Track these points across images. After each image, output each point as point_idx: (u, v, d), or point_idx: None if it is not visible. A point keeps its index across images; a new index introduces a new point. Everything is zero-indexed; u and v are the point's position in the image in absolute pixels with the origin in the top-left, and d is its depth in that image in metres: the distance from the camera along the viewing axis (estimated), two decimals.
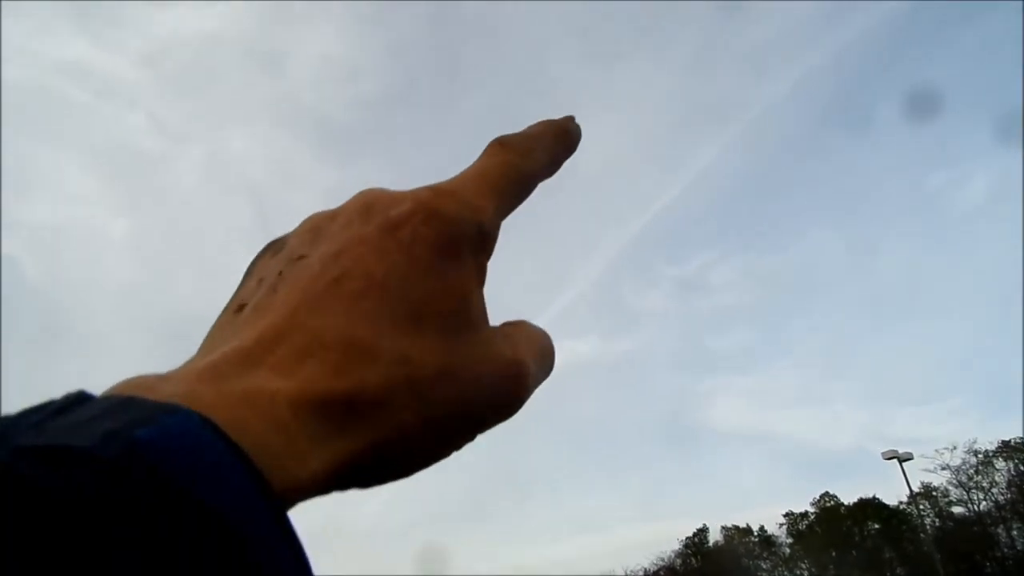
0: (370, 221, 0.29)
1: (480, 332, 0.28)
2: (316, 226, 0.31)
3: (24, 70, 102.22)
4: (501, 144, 0.33)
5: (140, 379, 0.23)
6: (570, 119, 0.37)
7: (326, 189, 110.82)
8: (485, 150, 0.33)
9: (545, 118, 0.33)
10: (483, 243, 0.30)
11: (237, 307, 0.29)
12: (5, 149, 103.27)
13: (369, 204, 0.30)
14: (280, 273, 0.29)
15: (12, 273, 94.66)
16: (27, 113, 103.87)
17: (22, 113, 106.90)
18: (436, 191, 0.30)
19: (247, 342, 0.25)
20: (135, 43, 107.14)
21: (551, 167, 0.35)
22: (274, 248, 0.32)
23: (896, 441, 68.16)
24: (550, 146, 0.35)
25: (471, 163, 0.31)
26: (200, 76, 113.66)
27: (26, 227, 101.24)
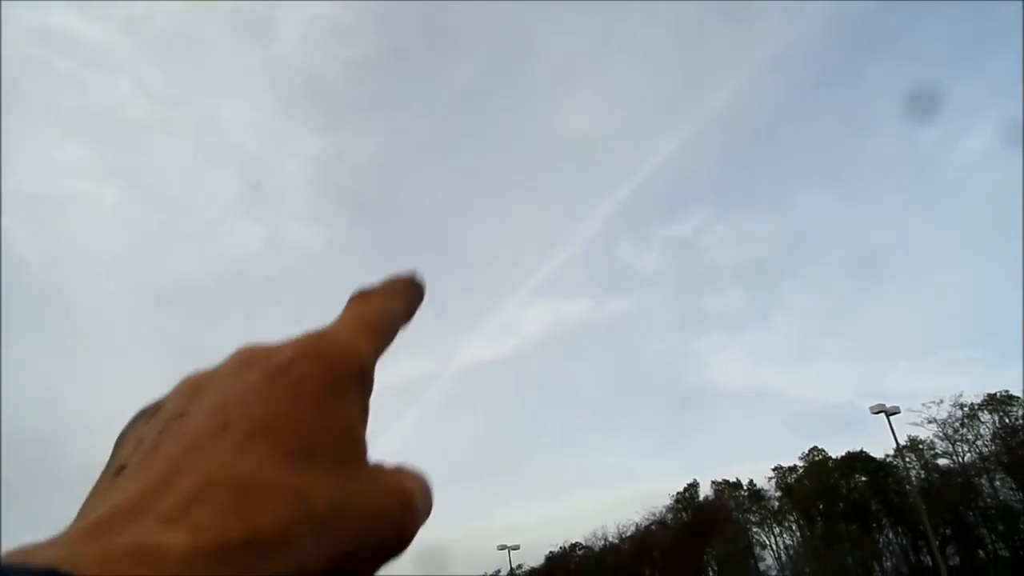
0: (253, 370, 0.29)
1: (368, 466, 0.29)
2: (195, 385, 0.31)
3: (5, 39, 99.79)
4: (363, 296, 0.37)
5: (21, 548, 0.21)
6: (415, 273, 0.40)
7: (315, 156, 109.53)
8: (349, 302, 0.36)
9: (397, 274, 0.37)
10: (365, 382, 0.31)
11: (117, 469, 0.28)
12: None
13: (249, 357, 0.31)
14: (161, 432, 0.28)
15: (3, 246, 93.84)
16: (10, 83, 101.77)
17: (5, 83, 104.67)
18: (317, 337, 0.32)
19: (131, 495, 0.24)
20: (119, 8, 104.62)
21: (408, 314, 0.38)
22: (149, 413, 0.32)
23: (885, 396, 69.20)
24: (404, 296, 0.38)
25: (338, 315, 0.33)
26: (186, 41, 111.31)
27: (14, 198, 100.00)
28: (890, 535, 50.43)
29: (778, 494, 55.92)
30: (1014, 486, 42.78)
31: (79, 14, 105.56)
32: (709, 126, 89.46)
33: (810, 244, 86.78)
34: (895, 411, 30.86)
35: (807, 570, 51.36)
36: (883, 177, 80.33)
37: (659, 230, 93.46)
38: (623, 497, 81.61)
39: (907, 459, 46.41)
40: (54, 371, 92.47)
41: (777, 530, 56.24)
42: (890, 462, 48.77)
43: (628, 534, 60.04)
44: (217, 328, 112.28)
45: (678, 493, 60.29)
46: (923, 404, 45.67)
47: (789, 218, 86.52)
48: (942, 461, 47.10)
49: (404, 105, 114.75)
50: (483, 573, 61.61)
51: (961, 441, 45.40)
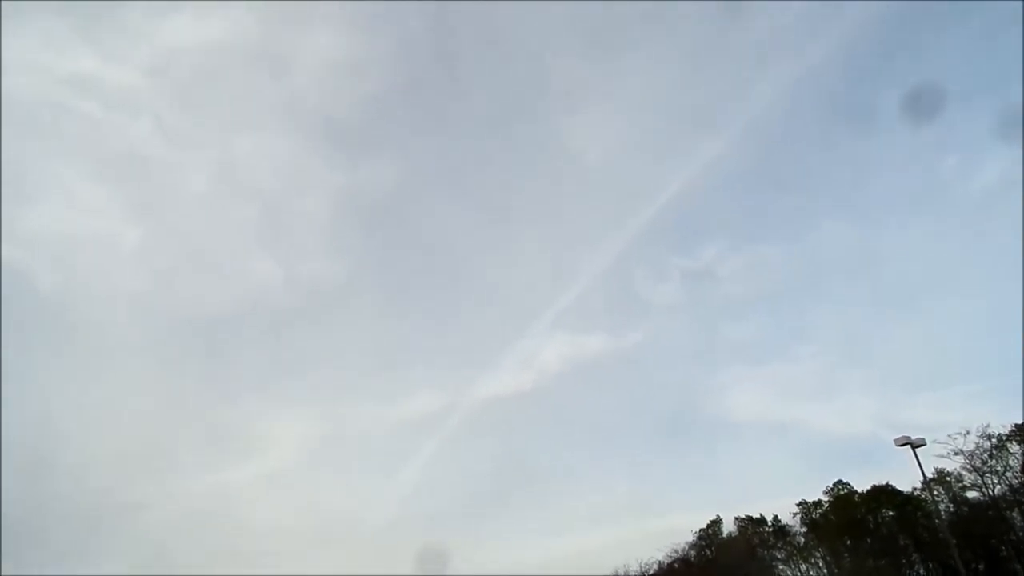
0: None
1: None
2: None
3: (32, 84, 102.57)
4: None
5: None
6: None
7: (332, 191, 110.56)
8: None
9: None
10: None
11: None
12: (14, 161, 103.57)
13: None
14: None
15: (25, 283, 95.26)
16: (36, 126, 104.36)
17: (31, 126, 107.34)
18: None
19: None
20: (140, 53, 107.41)
21: None
22: None
23: (909, 427, 68.03)
24: None
25: None
26: (205, 82, 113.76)
27: (37, 237, 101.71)
28: (920, 571, 49.21)
29: (803, 529, 54.86)
30: None
31: (103, 58, 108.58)
32: (724, 155, 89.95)
33: (830, 274, 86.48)
34: (921, 443, 30.37)
35: None
36: (904, 206, 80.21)
37: (675, 261, 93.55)
38: (644, 532, 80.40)
39: (935, 492, 45.49)
40: (73, 403, 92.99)
41: (804, 567, 55.03)
42: (917, 495, 47.81)
43: (651, 573, 58.99)
44: (235, 361, 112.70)
45: (701, 530, 59.32)
46: (949, 435, 44.83)
47: (808, 248, 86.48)
48: (971, 494, 46.09)
49: (419, 139, 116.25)
50: None
51: (990, 473, 44.45)
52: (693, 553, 58.23)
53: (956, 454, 44.62)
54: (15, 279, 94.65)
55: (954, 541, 34.84)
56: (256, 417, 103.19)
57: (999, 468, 44.16)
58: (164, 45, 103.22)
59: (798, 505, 55.14)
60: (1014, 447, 43.80)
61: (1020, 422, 43.65)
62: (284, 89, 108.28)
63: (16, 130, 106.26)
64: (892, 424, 74.23)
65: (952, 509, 46.48)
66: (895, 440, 30.55)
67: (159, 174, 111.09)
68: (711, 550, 57.70)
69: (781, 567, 55.71)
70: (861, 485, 52.77)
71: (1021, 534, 42.95)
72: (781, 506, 57.28)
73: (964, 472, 45.59)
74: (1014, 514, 43.34)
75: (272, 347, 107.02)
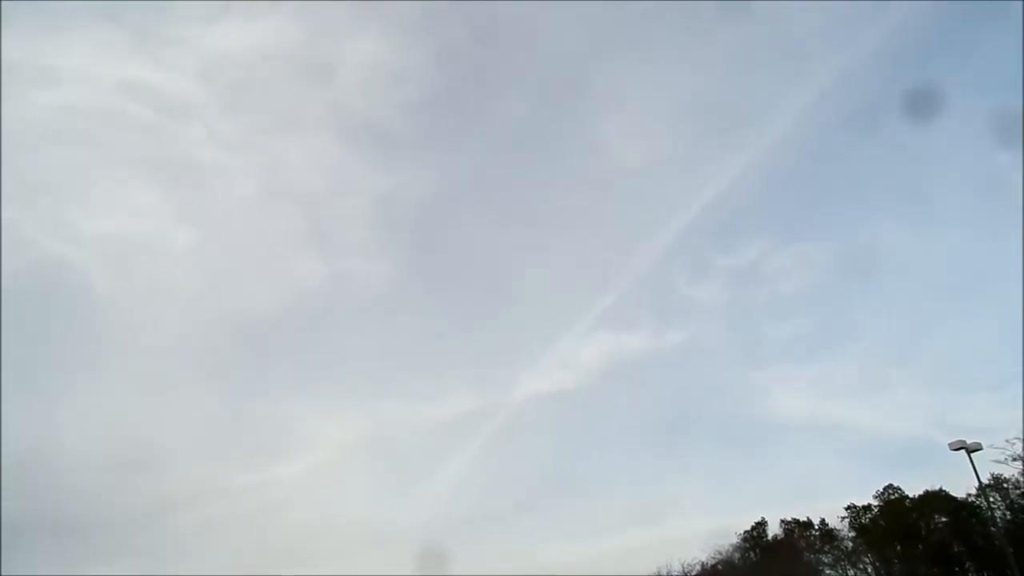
0: None
1: None
2: None
3: (89, 92, 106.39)
4: None
5: None
6: None
7: (375, 194, 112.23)
8: None
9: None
10: None
11: None
12: (72, 166, 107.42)
13: None
14: None
15: (82, 284, 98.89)
16: (92, 132, 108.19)
17: (88, 132, 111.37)
18: None
19: None
20: (190, 60, 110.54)
21: None
22: None
23: (964, 430, 66.08)
24: None
25: None
26: (252, 88, 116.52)
27: (93, 239, 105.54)
28: None
29: (852, 534, 53.77)
30: None
31: (155, 65, 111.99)
32: (768, 154, 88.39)
33: (879, 272, 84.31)
34: (977, 448, 29.47)
35: None
36: (959, 201, 77.80)
37: (719, 259, 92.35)
38: (687, 533, 79.66)
39: (991, 498, 44.13)
40: (121, 401, 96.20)
41: (852, 572, 53.98)
42: (972, 501, 46.47)
43: (694, 573, 58.47)
44: (277, 360, 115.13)
45: (746, 532, 58.59)
46: (1007, 440, 43.38)
47: (856, 245, 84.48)
48: None
49: (460, 142, 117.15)
50: None
51: None
52: (737, 555, 57.55)
53: (1014, 460, 43.20)
54: (73, 279, 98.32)
55: (1011, 549, 33.72)
56: (297, 416, 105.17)
57: None
58: (213, 52, 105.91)
59: (847, 509, 54.11)
60: None
61: None
62: (328, 94, 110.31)
63: (74, 136, 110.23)
64: (946, 426, 72.02)
65: (1009, 516, 45.04)
66: (950, 444, 29.73)
67: (209, 177, 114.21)
68: (756, 552, 56.95)
69: (828, 572, 54.72)
70: (913, 490, 51.55)
71: None
72: (829, 509, 56.18)
73: (1022, 479, 44.17)
74: None
75: (314, 347, 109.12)
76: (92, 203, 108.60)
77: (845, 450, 78.86)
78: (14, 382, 77.68)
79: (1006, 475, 44.60)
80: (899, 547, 50.36)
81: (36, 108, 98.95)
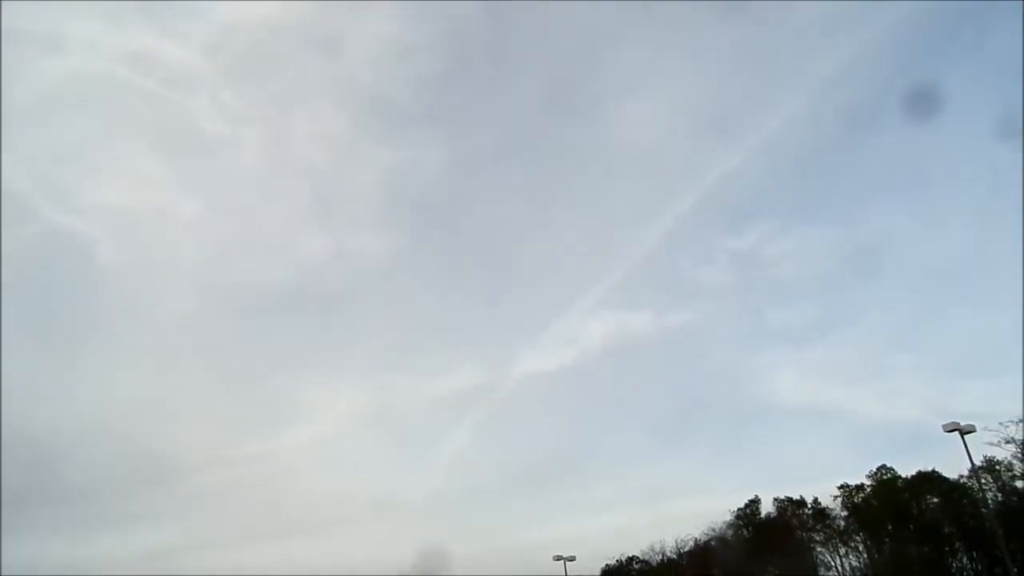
0: None
1: None
2: None
3: (95, 61, 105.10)
4: None
5: None
6: None
7: (382, 169, 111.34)
8: None
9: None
10: None
11: None
12: (78, 136, 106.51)
13: None
14: None
15: (86, 253, 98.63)
16: (99, 101, 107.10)
17: (94, 101, 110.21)
18: None
19: None
20: (197, 30, 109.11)
21: None
22: None
23: (958, 415, 66.25)
24: None
25: None
26: (260, 60, 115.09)
27: (98, 209, 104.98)
28: (964, 560, 48.34)
29: (844, 513, 54.21)
30: None
31: (161, 35, 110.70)
32: (774, 137, 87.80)
33: (880, 259, 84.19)
34: (970, 430, 29.66)
35: None
36: (960, 190, 77.48)
37: (723, 242, 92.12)
38: (681, 511, 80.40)
39: (983, 480, 44.44)
40: (130, 370, 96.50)
41: (843, 550, 54.52)
42: (964, 483, 46.80)
43: (687, 549, 59.05)
44: (284, 333, 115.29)
45: (739, 509, 59.04)
46: (1000, 423, 43.60)
47: (859, 231, 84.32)
48: (1020, 483, 44.92)
49: (468, 119, 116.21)
50: None
51: None
52: (730, 532, 58.08)
53: (1007, 442, 43.44)
54: (78, 249, 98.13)
55: (1001, 531, 34.10)
56: (304, 388, 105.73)
57: None
58: (220, 23, 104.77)
59: (839, 488, 54.47)
60: None
61: None
62: (336, 68, 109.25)
63: (80, 105, 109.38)
64: (940, 411, 72.61)
65: (1000, 499, 45.39)
66: (943, 426, 29.90)
67: (215, 149, 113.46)
68: (748, 530, 57.50)
69: (819, 550, 55.29)
70: (906, 471, 51.89)
71: None
72: (822, 489, 56.62)
73: (1015, 461, 44.45)
74: None
75: (321, 320, 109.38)
76: (97, 173, 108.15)
77: (840, 432, 79.52)
78: (20, 352, 78.05)
79: (998, 457, 44.94)
80: (890, 527, 50.81)
81: (42, 76, 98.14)
